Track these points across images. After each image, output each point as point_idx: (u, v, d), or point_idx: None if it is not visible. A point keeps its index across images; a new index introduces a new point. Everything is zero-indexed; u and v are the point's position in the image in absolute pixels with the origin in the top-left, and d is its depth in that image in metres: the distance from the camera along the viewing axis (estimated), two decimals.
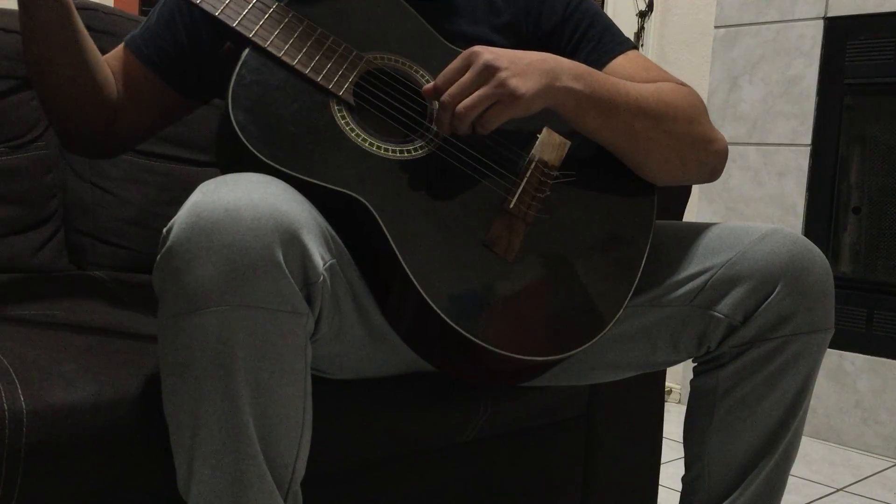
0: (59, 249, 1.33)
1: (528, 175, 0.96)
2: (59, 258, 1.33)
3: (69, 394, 0.77)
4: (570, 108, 0.96)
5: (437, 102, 0.94)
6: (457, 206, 0.93)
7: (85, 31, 0.99)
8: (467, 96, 0.90)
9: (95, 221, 1.36)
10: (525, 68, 0.91)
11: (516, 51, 0.93)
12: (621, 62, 1.08)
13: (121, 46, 1.08)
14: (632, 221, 1.02)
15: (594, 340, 0.93)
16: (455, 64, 0.91)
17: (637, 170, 1.03)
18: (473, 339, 0.86)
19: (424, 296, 0.85)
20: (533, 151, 0.97)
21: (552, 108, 0.96)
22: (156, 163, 1.39)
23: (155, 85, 1.06)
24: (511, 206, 0.95)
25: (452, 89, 0.90)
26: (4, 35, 1.28)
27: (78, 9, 1.37)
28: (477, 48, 0.92)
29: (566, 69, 0.95)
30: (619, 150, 1.02)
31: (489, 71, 0.90)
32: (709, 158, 1.05)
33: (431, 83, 0.93)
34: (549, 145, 0.98)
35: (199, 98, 1.11)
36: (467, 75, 0.90)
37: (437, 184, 0.94)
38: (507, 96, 0.90)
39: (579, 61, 1.06)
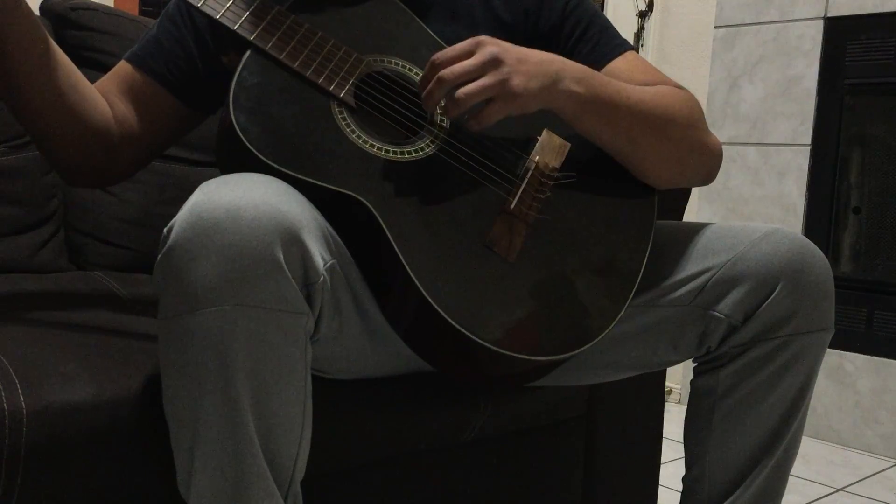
0: (59, 249, 1.33)
1: (528, 177, 0.96)
2: (59, 258, 1.33)
3: (69, 394, 0.77)
4: (570, 112, 0.96)
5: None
6: (457, 206, 0.93)
7: (63, 56, 0.94)
8: (467, 81, 0.88)
9: (95, 221, 1.36)
10: (529, 69, 0.91)
11: (522, 49, 0.92)
12: (619, 64, 1.08)
13: (121, 65, 1.05)
14: (632, 222, 1.02)
15: (595, 341, 0.93)
16: (462, 45, 0.90)
17: (636, 173, 1.03)
18: (475, 338, 0.86)
19: (426, 295, 0.85)
20: (533, 153, 0.97)
21: (551, 111, 0.96)
22: (156, 163, 1.39)
23: (165, 101, 1.04)
24: (512, 206, 0.95)
25: (455, 67, 0.88)
26: None
27: (78, 9, 1.38)
28: (485, 37, 0.90)
29: (570, 72, 0.94)
30: (618, 152, 1.02)
31: (494, 63, 0.89)
32: (705, 162, 1.06)
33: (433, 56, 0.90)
34: (548, 148, 0.98)
35: (209, 110, 1.09)
36: (472, 60, 0.89)
37: (438, 185, 0.93)
38: (507, 94, 0.89)
39: (576, 62, 1.06)
